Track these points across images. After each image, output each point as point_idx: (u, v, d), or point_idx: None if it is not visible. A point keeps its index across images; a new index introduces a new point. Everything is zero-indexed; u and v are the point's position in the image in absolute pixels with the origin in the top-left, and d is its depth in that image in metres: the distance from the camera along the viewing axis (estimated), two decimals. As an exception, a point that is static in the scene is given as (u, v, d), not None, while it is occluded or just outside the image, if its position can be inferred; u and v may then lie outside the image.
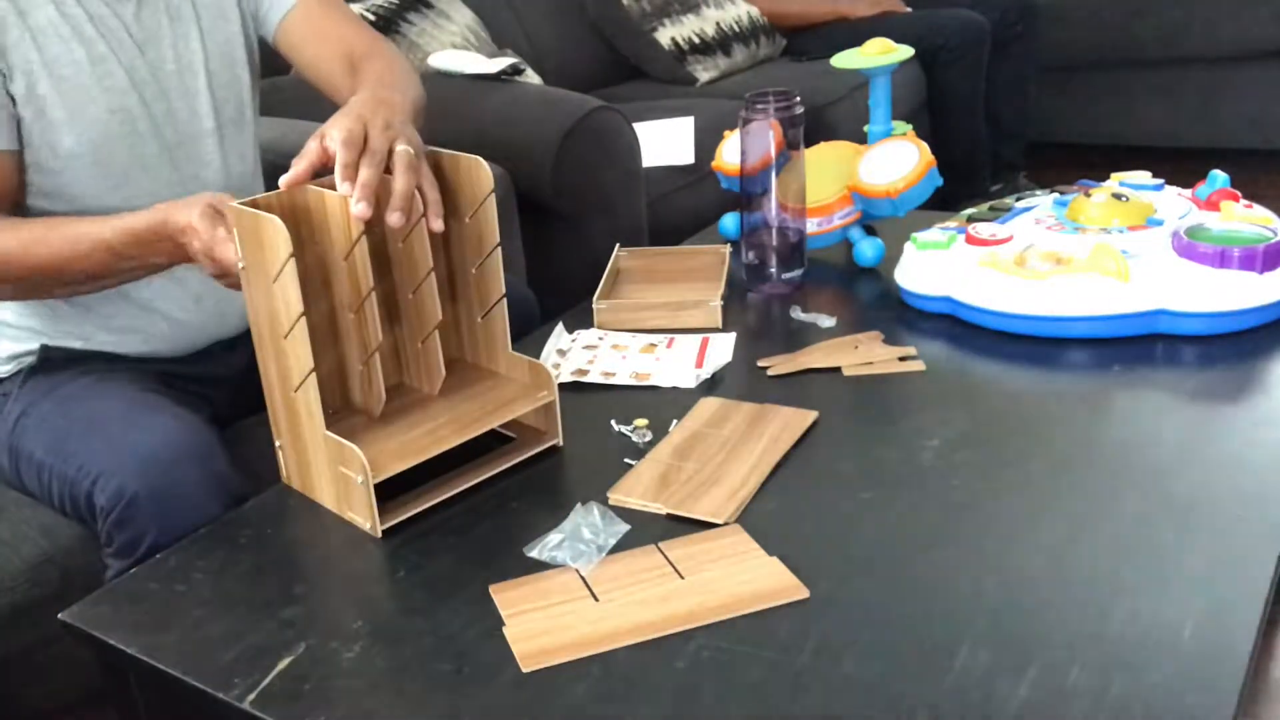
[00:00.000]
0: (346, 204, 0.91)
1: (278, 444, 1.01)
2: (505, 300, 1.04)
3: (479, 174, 0.99)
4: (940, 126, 2.89)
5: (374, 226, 0.93)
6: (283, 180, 0.94)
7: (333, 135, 0.94)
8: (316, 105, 1.31)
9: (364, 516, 0.94)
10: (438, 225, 0.94)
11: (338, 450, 0.93)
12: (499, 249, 1.01)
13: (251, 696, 0.75)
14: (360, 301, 0.95)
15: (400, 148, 0.94)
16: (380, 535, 0.93)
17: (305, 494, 1.00)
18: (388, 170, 0.93)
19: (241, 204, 0.91)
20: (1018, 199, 1.40)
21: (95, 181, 1.13)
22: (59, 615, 0.87)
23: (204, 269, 1.00)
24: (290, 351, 0.92)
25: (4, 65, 1.07)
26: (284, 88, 1.94)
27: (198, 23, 1.21)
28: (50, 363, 1.19)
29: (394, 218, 0.90)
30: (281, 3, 1.27)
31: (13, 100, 1.07)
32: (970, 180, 2.87)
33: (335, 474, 0.95)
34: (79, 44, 1.10)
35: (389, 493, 0.95)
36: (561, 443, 1.05)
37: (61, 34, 1.09)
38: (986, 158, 2.96)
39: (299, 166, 0.94)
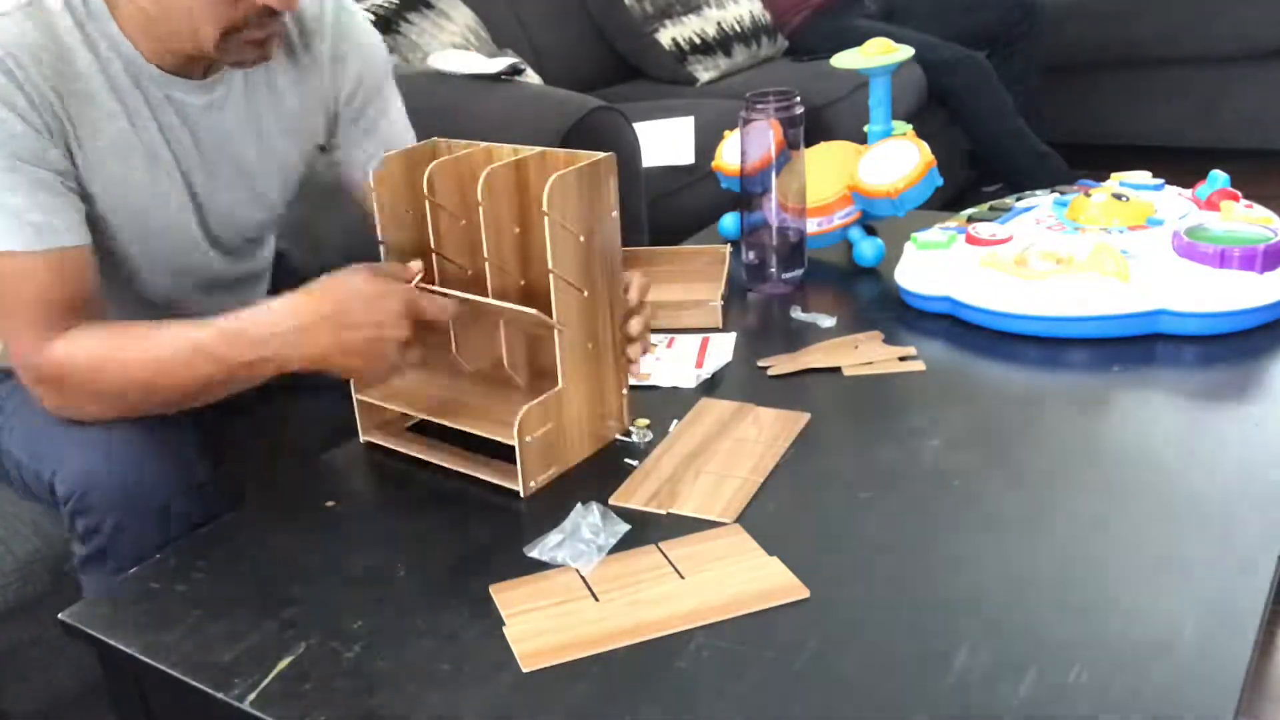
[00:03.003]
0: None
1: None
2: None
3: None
4: (986, 144, 2.91)
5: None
6: None
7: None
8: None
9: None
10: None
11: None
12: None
13: (251, 696, 0.75)
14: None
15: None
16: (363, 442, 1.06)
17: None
18: None
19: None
20: (1018, 199, 1.40)
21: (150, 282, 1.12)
22: (59, 615, 0.87)
23: (365, 357, 0.99)
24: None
25: (75, 175, 1.02)
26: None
27: (266, 141, 1.17)
28: None
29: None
30: (370, 161, 1.21)
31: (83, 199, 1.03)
32: (1040, 176, 2.81)
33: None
34: (143, 163, 1.06)
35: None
36: (522, 494, 0.97)
37: (127, 153, 1.05)
38: (1032, 160, 2.91)
39: None
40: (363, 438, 1.08)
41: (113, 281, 1.09)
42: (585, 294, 0.96)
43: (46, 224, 0.98)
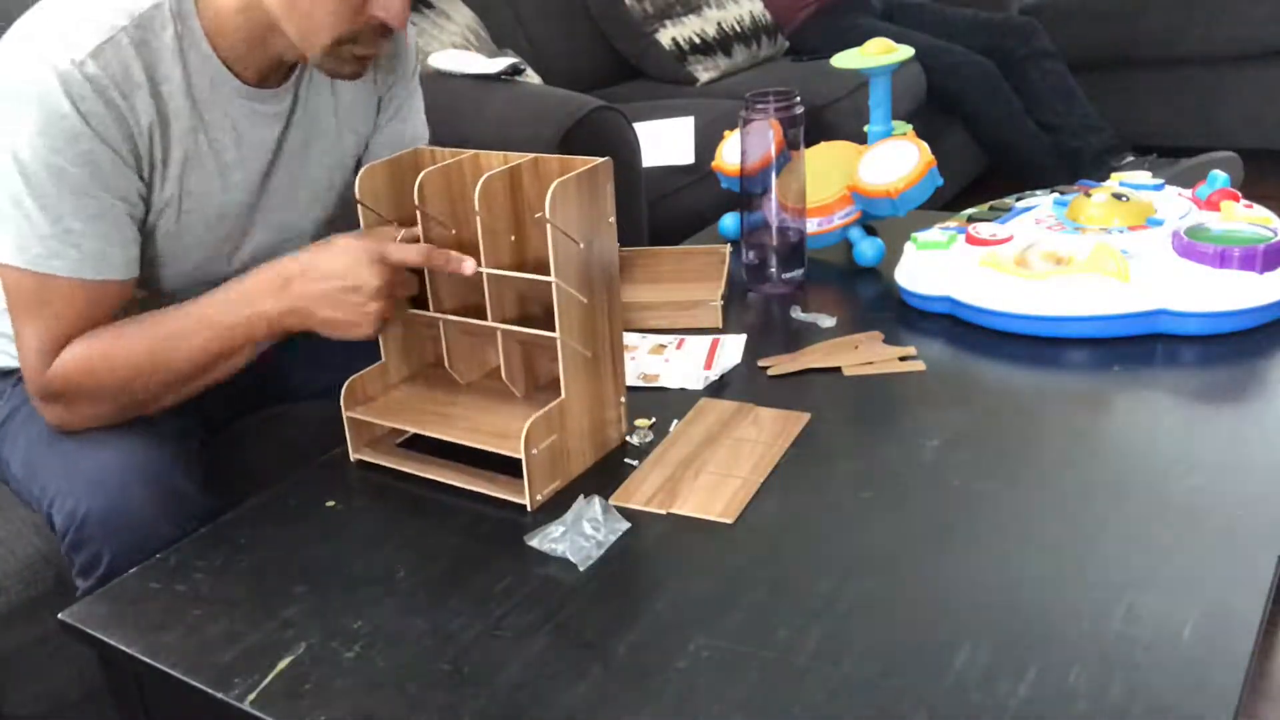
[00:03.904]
0: None
1: None
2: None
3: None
4: (993, 148, 2.90)
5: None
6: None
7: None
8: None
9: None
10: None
11: None
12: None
13: (251, 696, 0.76)
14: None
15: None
16: (354, 461, 1.06)
17: None
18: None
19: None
20: (1018, 199, 1.40)
21: (184, 277, 1.12)
22: (59, 615, 0.87)
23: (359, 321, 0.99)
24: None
25: (151, 196, 1.04)
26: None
27: (326, 139, 1.18)
28: None
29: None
30: (389, 148, 1.23)
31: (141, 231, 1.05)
32: (1043, 179, 2.80)
33: None
34: (217, 176, 1.08)
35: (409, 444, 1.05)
36: (529, 506, 0.96)
37: (204, 165, 1.06)
38: (1051, 158, 2.90)
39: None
40: (353, 456, 1.06)
41: (146, 288, 1.10)
42: (585, 301, 0.96)
43: (100, 253, 1.00)
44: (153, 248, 1.07)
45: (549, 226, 0.90)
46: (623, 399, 1.04)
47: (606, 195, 0.96)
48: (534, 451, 0.94)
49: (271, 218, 1.15)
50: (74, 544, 1.00)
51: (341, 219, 1.25)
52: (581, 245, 0.94)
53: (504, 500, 0.96)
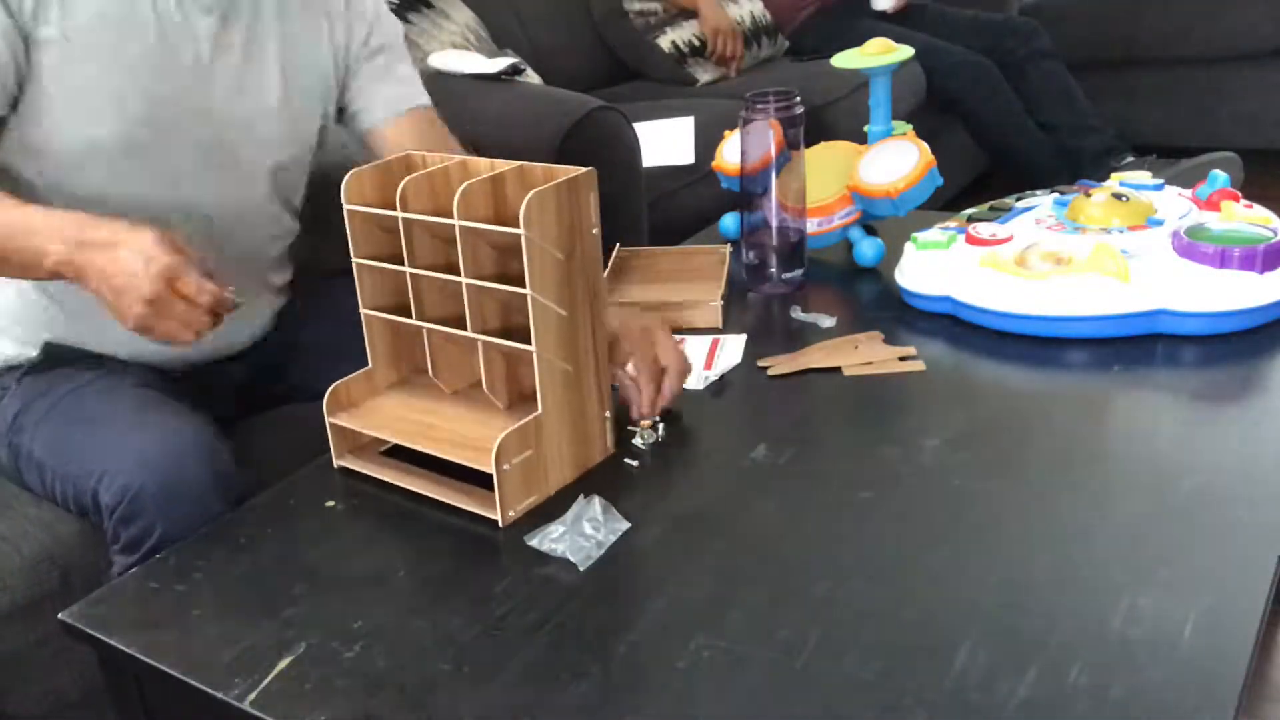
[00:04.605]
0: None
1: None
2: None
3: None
4: (993, 148, 2.89)
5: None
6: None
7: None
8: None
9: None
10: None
11: None
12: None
13: (251, 696, 0.76)
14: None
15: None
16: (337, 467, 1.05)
17: None
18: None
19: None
20: (1018, 199, 1.40)
21: (108, 182, 1.10)
22: (59, 615, 0.87)
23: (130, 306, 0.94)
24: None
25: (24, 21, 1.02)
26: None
27: (279, 60, 1.18)
28: (50, 360, 1.18)
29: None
30: (390, 105, 1.27)
31: (15, 67, 1.03)
32: (1043, 179, 2.79)
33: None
34: (131, 30, 1.07)
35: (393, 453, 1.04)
36: (501, 523, 0.94)
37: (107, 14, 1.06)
38: (1051, 158, 2.89)
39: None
40: (336, 463, 1.05)
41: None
42: (565, 314, 0.94)
43: None
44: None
45: (524, 238, 0.89)
46: (608, 414, 1.02)
47: (590, 206, 0.94)
48: (505, 467, 0.92)
49: (228, 134, 1.16)
50: (124, 518, 1.01)
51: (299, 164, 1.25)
52: (560, 256, 0.92)
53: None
